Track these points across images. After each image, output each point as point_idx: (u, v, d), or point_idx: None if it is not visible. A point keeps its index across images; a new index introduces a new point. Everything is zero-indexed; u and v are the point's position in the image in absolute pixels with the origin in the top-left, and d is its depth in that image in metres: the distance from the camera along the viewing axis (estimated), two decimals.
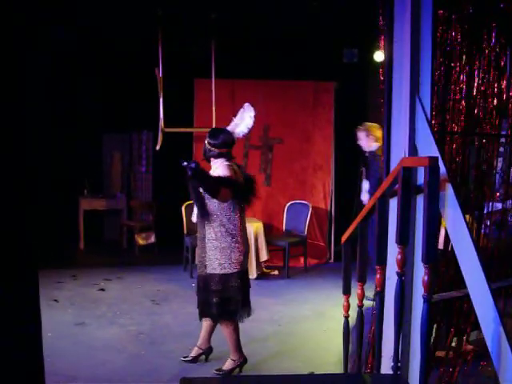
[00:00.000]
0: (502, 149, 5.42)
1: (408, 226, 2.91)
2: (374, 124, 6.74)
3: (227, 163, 4.44)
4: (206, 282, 4.50)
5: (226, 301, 4.46)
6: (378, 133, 6.52)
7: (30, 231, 1.39)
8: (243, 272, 4.52)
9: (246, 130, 4.61)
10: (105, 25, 7.61)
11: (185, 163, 4.04)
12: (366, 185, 6.64)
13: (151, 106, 8.00)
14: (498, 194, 5.99)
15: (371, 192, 6.61)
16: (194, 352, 4.88)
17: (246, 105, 4.65)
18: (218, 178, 4.29)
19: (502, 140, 4.61)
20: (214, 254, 4.44)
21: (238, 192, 4.40)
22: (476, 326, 3.13)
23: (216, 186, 4.21)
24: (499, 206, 6.15)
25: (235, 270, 4.43)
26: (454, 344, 3.95)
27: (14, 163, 1.37)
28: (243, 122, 4.58)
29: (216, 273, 4.44)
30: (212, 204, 4.39)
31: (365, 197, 6.63)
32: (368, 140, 6.85)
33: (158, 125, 8.03)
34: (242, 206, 4.57)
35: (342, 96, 8.87)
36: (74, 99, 8.64)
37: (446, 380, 3.84)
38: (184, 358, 4.86)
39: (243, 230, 4.55)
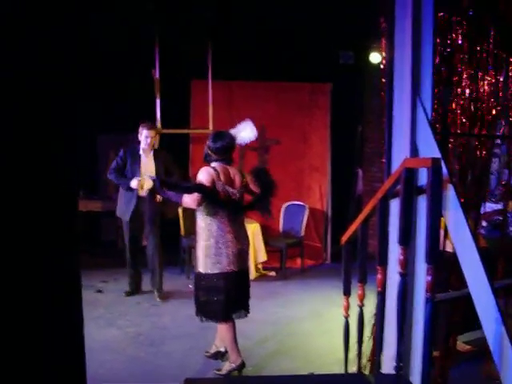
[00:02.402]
0: (497, 150, 5.46)
1: (410, 226, 2.94)
2: None
3: (212, 167, 4.49)
4: (195, 280, 4.63)
5: (206, 300, 4.50)
6: None
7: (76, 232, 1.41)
8: (229, 273, 4.46)
9: (247, 140, 4.67)
10: (101, 24, 7.60)
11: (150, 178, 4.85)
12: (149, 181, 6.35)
13: (148, 106, 8.00)
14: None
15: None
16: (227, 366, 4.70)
17: (247, 122, 4.71)
18: (182, 185, 4.58)
19: (497, 141, 4.65)
20: (200, 253, 4.51)
21: (212, 194, 4.39)
22: (475, 325, 3.16)
23: (180, 193, 4.45)
24: (494, 206, 6.20)
25: (217, 271, 4.43)
26: (451, 344, 3.99)
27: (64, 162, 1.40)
28: (246, 132, 4.63)
29: (200, 271, 4.52)
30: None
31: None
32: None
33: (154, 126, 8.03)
34: (238, 209, 4.60)
35: (338, 98, 8.89)
36: (68, 98, 8.59)
37: (442, 379, 3.87)
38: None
39: (235, 232, 4.50)
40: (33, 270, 1.28)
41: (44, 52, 1.31)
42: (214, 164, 4.52)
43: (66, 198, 1.38)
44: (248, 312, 4.69)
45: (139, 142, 6.58)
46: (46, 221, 1.31)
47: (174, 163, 6.71)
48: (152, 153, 6.61)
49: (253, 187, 4.65)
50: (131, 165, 6.55)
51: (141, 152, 6.58)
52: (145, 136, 6.54)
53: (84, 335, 1.44)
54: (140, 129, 6.58)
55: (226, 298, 4.46)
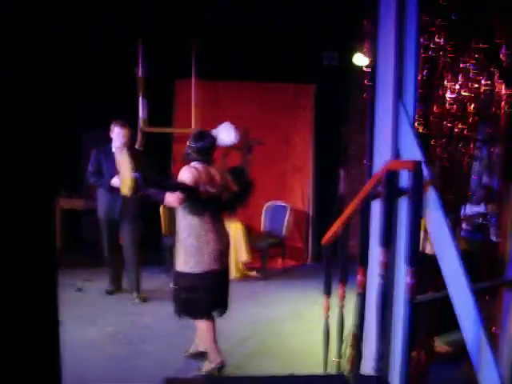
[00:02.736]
0: (478, 152, 5.51)
1: (391, 228, 2.96)
2: None
3: (193, 166, 4.49)
4: (175, 278, 4.61)
5: (187, 298, 4.50)
6: None
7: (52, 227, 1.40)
8: (210, 272, 4.47)
9: (228, 142, 4.67)
10: (85, 21, 7.55)
11: (132, 175, 4.58)
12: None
13: (133, 105, 7.97)
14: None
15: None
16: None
17: (226, 123, 4.70)
18: (165, 184, 4.58)
19: (478, 144, 4.69)
20: (181, 252, 4.51)
21: (194, 193, 4.40)
22: (454, 326, 3.18)
23: (163, 191, 4.44)
24: (475, 208, 6.26)
25: (198, 270, 4.44)
26: (430, 344, 4.02)
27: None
28: (226, 134, 4.64)
29: (181, 270, 4.51)
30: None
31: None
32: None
33: (138, 124, 8.01)
34: (218, 208, 4.61)
35: (321, 99, 8.93)
36: (53, 97, 8.51)
37: (420, 380, 3.90)
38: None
39: (216, 231, 4.52)
40: (7, 269, 1.28)
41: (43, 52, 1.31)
42: (194, 164, 4.52)
43: (43, 197, 1.37)
44: (226, 309, 4.69)
45: (111, 140, 6.50)
46: (21, 219, 1.30)
47: (150, 161, 6.52)
48: (126, 150, 6.50)
49: (232, 187, 4.68)
50: (106, 164, 6.46)
51: (114, 150, 6.43)
52: (117, 133, 6.41)
53: (60, 335, 1.43)
54: (112, 126, 6.45)
55: (206, 296, 4.47)
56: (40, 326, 1.35)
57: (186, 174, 4.41)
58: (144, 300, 6.65)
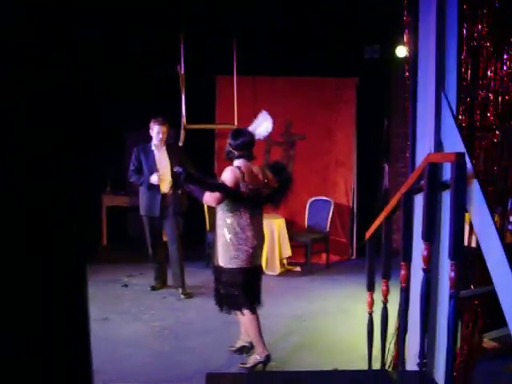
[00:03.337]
0: None
1: (434, 222, 2.90)
2: None
3: (235, 166, 4.52)
4: (215, 273, 4.72)
5: (226, 293, 4.58)
6: None
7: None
8: (247, 268, 4.53)
9: (265, 133, 4.67)
10: (126, 21, 7.64)
11: (175, 169, 4.63)
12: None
13: (173, 102, 8.03)
14: None
15: None
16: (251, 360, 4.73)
17: (264, 112, 4.70)
18: (206, 182, 4.53)
19: None
20: (219, 248, 4.59)
21: (234, 195, 4.43)
22: (500, 323, 3.11)
23: (203, 189, 4.47)
24: None
25: (236, 266, 4.50)
26: (476, 340, 3.93)
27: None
28: (263, 124, 4.64)
29: (220, 265, 4.60)
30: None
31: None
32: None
33: (180, 122, 8.07)
34: (257, 205, 4.63)
35: (363, 92, 8.83)
36: (95, 97, 8.65)
37: (465, 376, 3.82)
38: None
39: (254, 228, 4.54)
40: (33, 270, 1.29)
41: (43, 52, 1.32)
42: (237, 162, 4.54)
43: (68, 200, 1.39)
44: (260, 303, 4.71)
45: (151, 138, 6.58)
46: (47, 220, 1.32)
47: (189, 159, 6.64)
48: (165, 148, 6.62)
49: (272, 183, 4.70)
50: (146, 162, 6.56)
51: (153, 148, 6.59)
52: (156, 132, 6.51)
53: (90, 332, 1.44)
54: (151, 124, 6.54)
55: (244, 291, 4.52)
56: (68, 322, 1.37)
57: (228, 175, 4.43)
58: (189, 296, 6.71)
